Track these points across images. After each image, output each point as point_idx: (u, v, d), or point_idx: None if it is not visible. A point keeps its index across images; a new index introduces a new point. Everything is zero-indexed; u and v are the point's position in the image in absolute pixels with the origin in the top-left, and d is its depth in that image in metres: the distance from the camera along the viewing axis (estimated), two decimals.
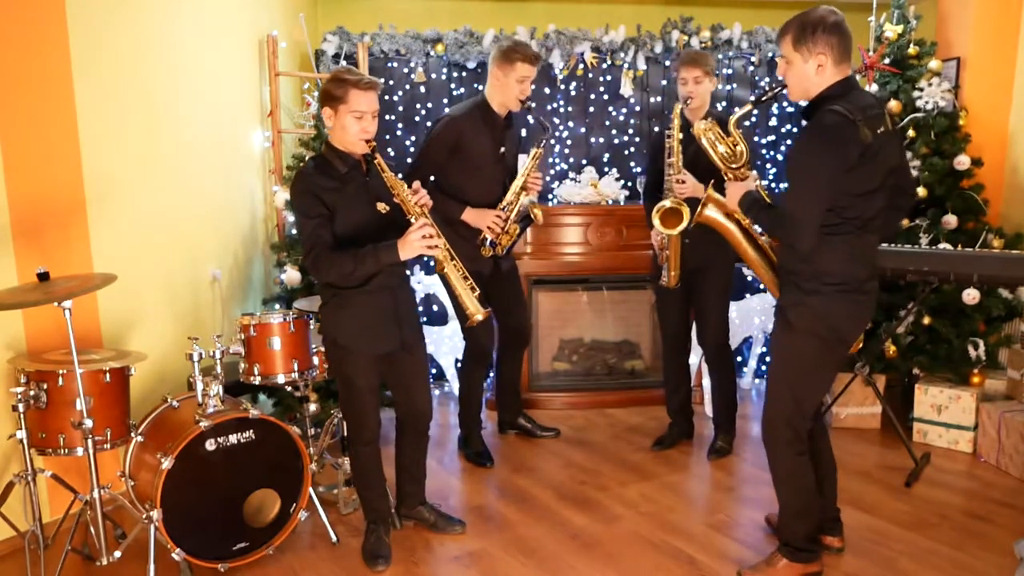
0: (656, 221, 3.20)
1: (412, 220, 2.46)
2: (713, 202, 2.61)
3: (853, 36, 2.27)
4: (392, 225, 2.51)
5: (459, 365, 3.73)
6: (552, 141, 4.70)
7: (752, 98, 3.02)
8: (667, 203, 3.19)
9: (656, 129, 3.51)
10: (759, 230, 2.59)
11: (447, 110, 3.44)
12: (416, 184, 2.59)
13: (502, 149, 3.41)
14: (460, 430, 3.74)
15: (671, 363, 3.77)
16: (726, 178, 2.55)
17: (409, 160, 4.33)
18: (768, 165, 4.82)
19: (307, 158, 2.53)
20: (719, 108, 4.70)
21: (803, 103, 2.34)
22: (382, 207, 2.55)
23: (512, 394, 3.94)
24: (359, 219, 2.49)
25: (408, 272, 2.77)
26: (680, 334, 3.71)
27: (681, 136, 3.26)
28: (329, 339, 2.60)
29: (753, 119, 4.73)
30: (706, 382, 4.11)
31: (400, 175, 2.57)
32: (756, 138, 4.78)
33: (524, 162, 3.44)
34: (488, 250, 3.36)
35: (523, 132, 3.90)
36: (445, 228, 2.99)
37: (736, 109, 2.78)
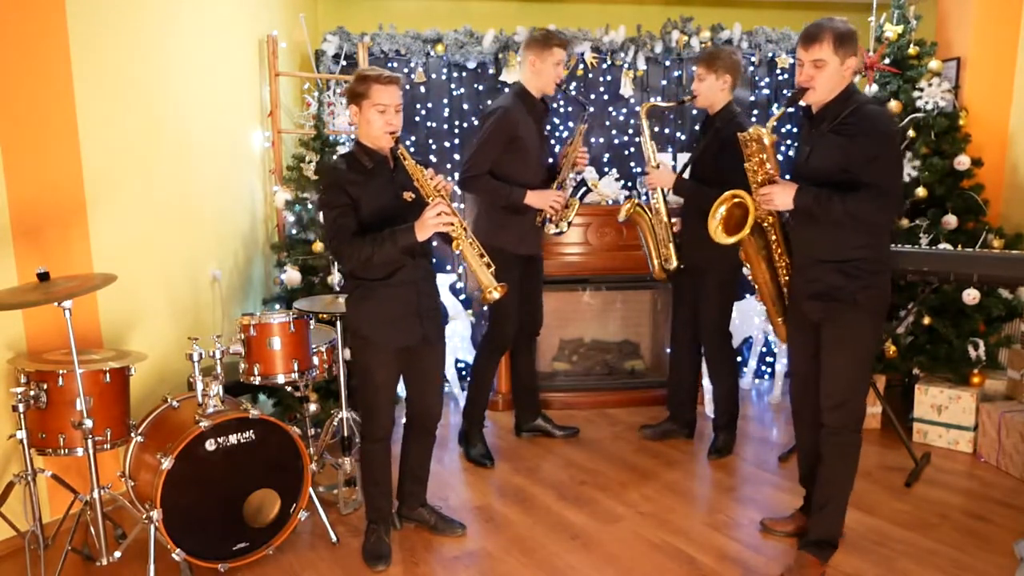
0: (621, 212, 3.54)
1: (429, 202, 2.52)
2: (751, 234, 2.60)
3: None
4: (417, 213, 2.53)
5: (474, 354, 3.71)
6: (552, 141, 4.71)
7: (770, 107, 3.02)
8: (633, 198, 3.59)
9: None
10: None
11: (497, 102, 3.48)
12: (431, 171, 2.61)
13: (544, 133, 3.56)
14: (463, 424, 3.71)
15: (676, 359, 3.81)
16: (758, 183, 2.54)
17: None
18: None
19: (337, 156, 2.61)
20: None
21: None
22: (407, 195, 2.60)
23: (528, 392, 3.92)
24: (382, 208, 2.55)
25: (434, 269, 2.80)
26: (687, 331, 3.74)
27: (655, 130, 3.59)
28: (352, 329, 2.64)
29: (754, 118, 4.73)
30: (707, 382, 4.12)
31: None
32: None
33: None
34: (551, 227, 3.50)
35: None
36: (500, 217, 3.36)
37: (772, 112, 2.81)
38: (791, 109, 2.80)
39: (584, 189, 3.61)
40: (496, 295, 2.57)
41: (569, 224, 3.54)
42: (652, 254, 3.61)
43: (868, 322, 2.48)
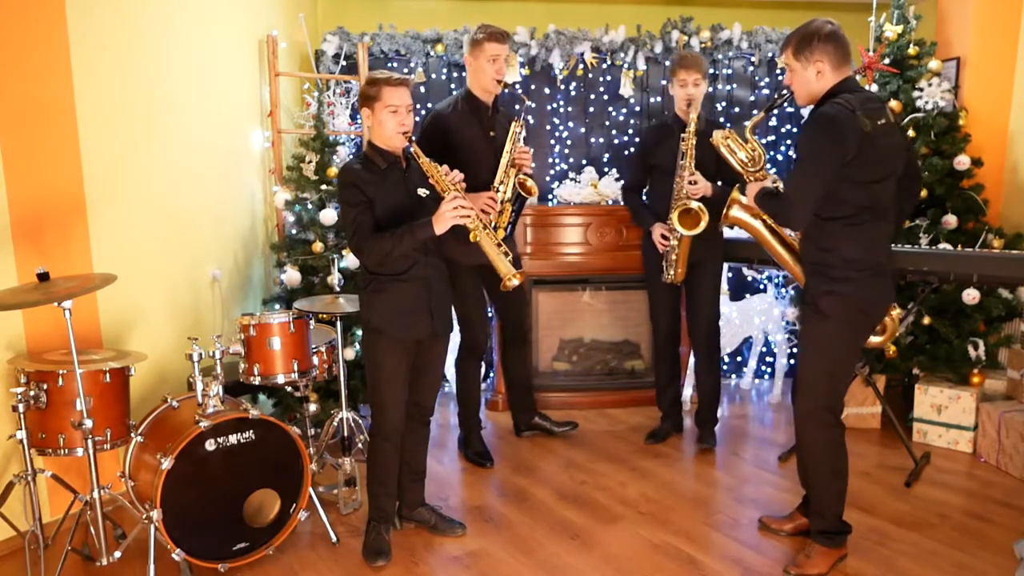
0: (675, 220, 3.36)
1: (445, 196, 2.57)
2: (737, 203, 2.76)
3: (853, 36, 2.43)
4: (430, 209, 2.59)
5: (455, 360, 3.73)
6: (552, 141, 4.71)
7: (764, 106, 3.05)
8: (693, 204, 3.36)
9: (651, 122, 3.52)
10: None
11: (436, 105, 3.50)
12: (446, 167, 2.66)
13: (492, 134, 3.42)
14: (460, 430, 3.75)
15: (664, 358, 3.87)
16: (748, 181, 2.67)
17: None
18: (768, 165, 4.82)
19: (352, 156, 2.70)
20: (719, 108, 4.73)
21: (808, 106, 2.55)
22: (421, 191, 2.67)
23: (523, 393, 3.93)
24: (397, 206, 2.61)
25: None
26: (673, 330, 3.82)
27: (695, 140, 3.39)
28: (364, 322, 2.68)
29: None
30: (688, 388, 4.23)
31: None
32: (756, 138, 4.77)
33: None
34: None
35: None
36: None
37: (753, 113, 2.85)
38: (777, 111, 2.85)
39: (522, 201, 3.37)
40: (515, 282, 2.67)
41: (509, 233, 3.32)
42: (681, 261, 3.51)
43: (830, 329, 2.47)
